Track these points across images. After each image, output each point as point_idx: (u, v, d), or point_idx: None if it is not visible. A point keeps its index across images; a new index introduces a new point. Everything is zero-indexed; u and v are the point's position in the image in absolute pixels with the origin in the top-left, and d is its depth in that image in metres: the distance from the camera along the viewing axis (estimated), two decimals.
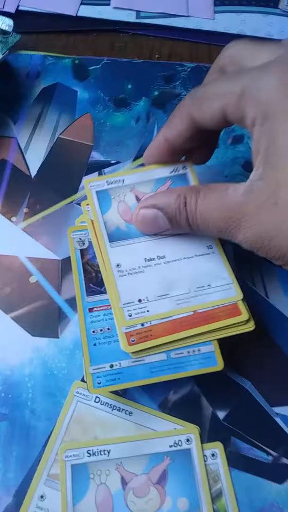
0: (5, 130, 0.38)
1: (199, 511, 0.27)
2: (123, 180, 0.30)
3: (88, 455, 0.27)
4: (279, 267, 0.34)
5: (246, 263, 0.33)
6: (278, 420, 0.30)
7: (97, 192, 0.30)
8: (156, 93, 0.40)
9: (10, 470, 0.28)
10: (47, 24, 0.44)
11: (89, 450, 0.27)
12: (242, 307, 0.26)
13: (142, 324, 0.26)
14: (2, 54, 0.38)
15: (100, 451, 0.28)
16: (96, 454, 0.27)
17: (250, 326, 0.26)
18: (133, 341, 0.26)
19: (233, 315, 0.26)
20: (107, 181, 0.30)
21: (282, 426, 0.29)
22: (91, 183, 0.30)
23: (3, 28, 0.39)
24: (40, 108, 0.39)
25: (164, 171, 0.29)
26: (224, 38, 0.43)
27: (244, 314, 0.26)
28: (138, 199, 0.29)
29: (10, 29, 0.39)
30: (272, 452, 0.29)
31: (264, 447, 0.29)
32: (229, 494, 0.27)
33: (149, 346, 0.26)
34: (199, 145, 0.28)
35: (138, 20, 0.43)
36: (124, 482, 0.27)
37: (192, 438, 0.28)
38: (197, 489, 0.27)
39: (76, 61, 0.42)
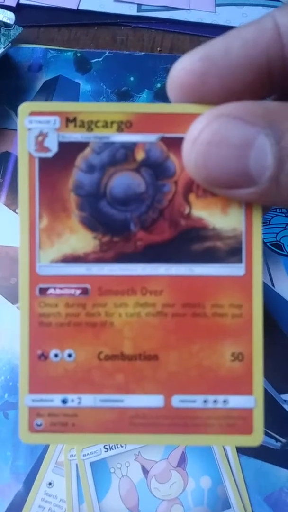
0: (8, 123, 0.38)
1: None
2: (125, 444, 0.26)
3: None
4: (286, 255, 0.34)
5: None
6: (286, 407, 0.30)
7: (92, 463, 0.25)
8: (158, 85, 0.40)
9: (19, 458, 0.28)
10: (48, 18, 0.43)
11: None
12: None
13: (64, 401, 0.16)
14: (5, 47, 0.38)
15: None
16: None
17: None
18: (39, 425, 0.16)
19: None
20: (104, 447, 0.26)
21: None
22: (83, 451, 0.24)
23: (5, 21, 0.39)
24: (43, 100, 0.39)
25: None
26: (226, 32, 0.43)
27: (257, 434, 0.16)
28: (145, 470, 0.26)
29: (12, 22, 0.39)
30: (280, 438, 0.29)
31: (272, 433, 0.29)
32: (239, 481, 0.27)
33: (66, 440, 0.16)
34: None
35: (139, 13, 0.43)
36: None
37: None
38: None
39: (78, 54, 0.42)
